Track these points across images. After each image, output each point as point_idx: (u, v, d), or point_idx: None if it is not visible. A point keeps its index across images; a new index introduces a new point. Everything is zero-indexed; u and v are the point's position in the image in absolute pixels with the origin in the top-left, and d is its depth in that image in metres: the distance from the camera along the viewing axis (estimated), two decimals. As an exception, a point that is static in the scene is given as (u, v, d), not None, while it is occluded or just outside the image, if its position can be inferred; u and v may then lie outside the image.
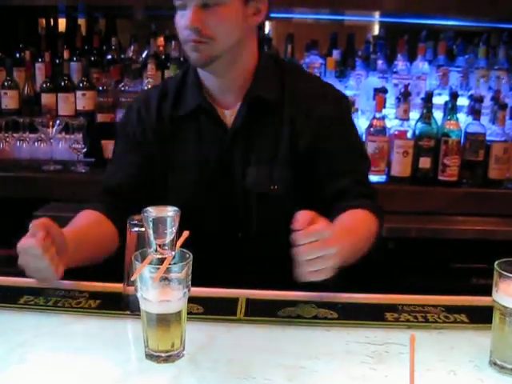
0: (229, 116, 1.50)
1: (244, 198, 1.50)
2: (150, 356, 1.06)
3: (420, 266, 2.34)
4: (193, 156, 1.52)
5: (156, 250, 1.03)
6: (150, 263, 1.01)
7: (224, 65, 1.44)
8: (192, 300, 1.10)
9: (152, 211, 1.04)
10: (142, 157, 1.53)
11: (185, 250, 1.04)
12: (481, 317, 1.23)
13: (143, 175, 1.53)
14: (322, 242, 1.14)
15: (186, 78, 1.55)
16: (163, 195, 1.52)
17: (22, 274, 1.30)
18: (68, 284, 1.39)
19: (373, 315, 1.26)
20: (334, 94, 1.56)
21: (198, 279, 1.09)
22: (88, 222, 1.46)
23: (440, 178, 2.48)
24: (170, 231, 1.03)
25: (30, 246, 1.19)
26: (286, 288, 1.33)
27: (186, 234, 1.03)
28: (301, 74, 1.63)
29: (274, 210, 1.48)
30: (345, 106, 1.59)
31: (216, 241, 1.50)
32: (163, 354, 1.05)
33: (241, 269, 1.45)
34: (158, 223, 1.02)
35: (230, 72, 1.47)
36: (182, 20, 1.39)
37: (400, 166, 2.47)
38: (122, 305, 1.26)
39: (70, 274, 1.39)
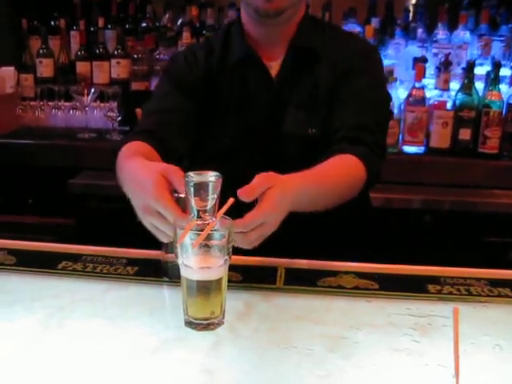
0: (274, 66, 1.54)
1: (284, 142, 1.52)
2: (190, 323, 1.05)
3: (457, 240, 2.31)
4: (237, 103, 1.54)
5: (197, 216, 1.01)
6: (191, 229, 0.99)
7: (286, 17, 1.49)
8: (231, 268, 1.08)
9: (193, 176, 1.01)
10: (189, 101, 1.53)
11: (226, 217, 1.02)
12: (526, 291, 1.20)
13: (188, 119, 1.52)
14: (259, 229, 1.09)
15: (231, 33, 1.59)
16: (203, 142, 1.55)
17: (59, 239, 1.29)
18: (106, 250, 1.39)
19: (415, 287, 1.23)
20: (366, 46, 1.65)
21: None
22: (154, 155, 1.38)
23: (480, 150, 2.43)
24: (212, 197, 1.01)
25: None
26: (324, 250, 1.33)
27: (231, 201, 1.01)
28: (338, 28, 1.71)
29: (311, 154, 1.46)
30: (374, 58, 1.59)
31: None
32: (203, 322, 1.04)
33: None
34: (200, 188, 1.00)
35: (287, 24, 1.52)
36: None
37: (439, 138, 2.43)
38: (160, 272, 1.25)
39: (108, 240, 1.39)
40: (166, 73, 1.64)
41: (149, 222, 1.10)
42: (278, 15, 1.46)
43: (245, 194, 1.05)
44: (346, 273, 1.28)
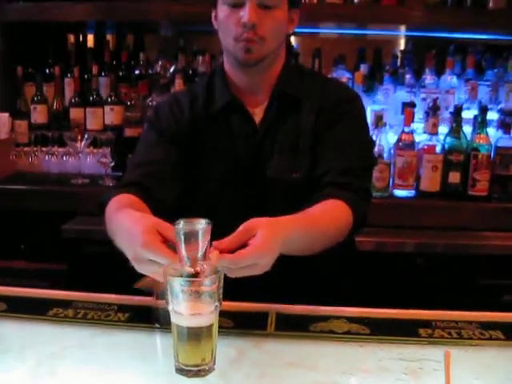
0: (257, 112, 1.57)
1: (268, 187, 1.54)
2: (180, 370, 1.04)
3: (449, 282, 2.31)
4: (222, 149, 1.57)
5: (188, 263, 1.02)
6: (182, 276, 1.00)
7: (266, 65, 1.53)
8: (221, 314, 1.08)
9: (183, 224, 1.02)
10: (174, 150, 1.55)
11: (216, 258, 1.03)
12: (517, 334, 1.20)
13: (174, 168, 1.53)
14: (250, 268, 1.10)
15: (214, 80, 1.62)
16: (189, 191, 1.56)
17: (51, 285, 1.29)
18: (97, 296, 1.39)
19: (406, 331, 1.23)
20: (348, 92, 1.66)
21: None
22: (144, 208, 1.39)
23: (470, 192, 2.45)
24: (202, 244, 1.02)
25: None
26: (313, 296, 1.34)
27: (215, 254, 1.03)
28: (318, 74, 1.84)
29: (295, 197, 1.49)
30: (356, 104, 1.61)
31: None
32: (194, 369, 1.03)
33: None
34: (190, 236, 1.01)
35: (268, 71, 1.56)
36: (234, 16, 1.45)
37: (429, 181, 2.45)
38: (151, 318, 1.25)
39: (101, 285, 1.39)
40: (150, 123, 1.65)
41: (145, 270, 1.10)
42: (259, 63, 1.50)
43: (220, 247, 1.06)
44: (338, 317, 1.28)
